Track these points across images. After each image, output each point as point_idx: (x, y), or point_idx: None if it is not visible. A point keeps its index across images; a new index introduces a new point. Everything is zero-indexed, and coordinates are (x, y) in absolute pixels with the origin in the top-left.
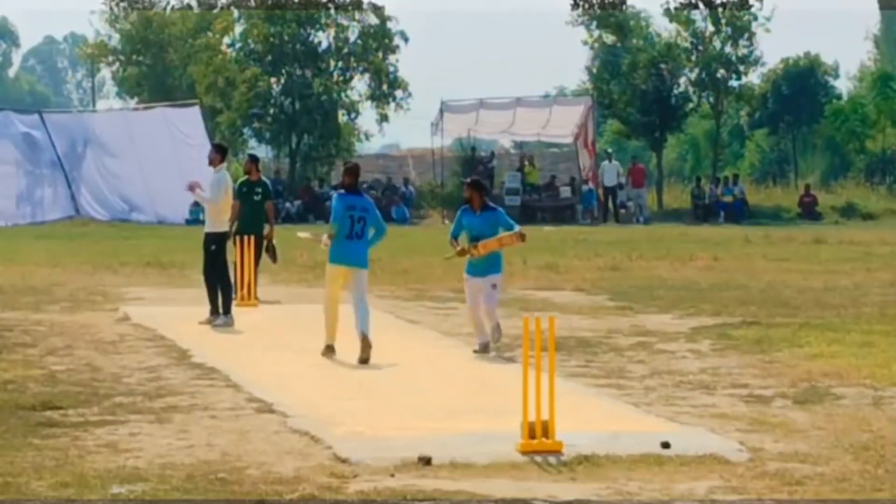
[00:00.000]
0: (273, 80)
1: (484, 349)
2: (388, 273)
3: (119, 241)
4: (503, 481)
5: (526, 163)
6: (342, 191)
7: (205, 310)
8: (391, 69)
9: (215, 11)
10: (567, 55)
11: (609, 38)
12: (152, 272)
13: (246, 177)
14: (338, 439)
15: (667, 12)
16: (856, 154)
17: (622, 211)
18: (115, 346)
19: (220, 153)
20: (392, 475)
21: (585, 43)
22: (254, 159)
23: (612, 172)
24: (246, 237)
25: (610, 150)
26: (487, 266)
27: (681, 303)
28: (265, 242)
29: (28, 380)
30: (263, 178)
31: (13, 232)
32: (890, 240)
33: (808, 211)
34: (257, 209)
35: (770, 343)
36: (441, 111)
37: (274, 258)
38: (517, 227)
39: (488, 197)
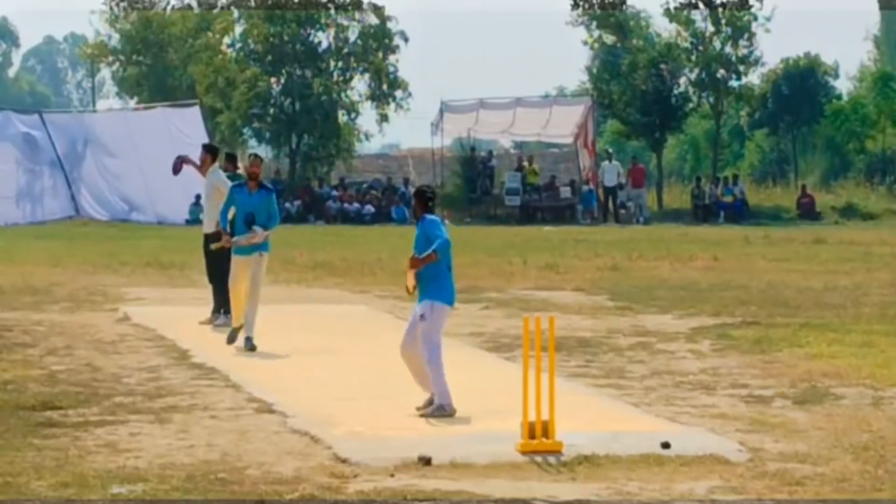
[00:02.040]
0: (273, 80)
1: (428, 405)
2: (388, 273)
3: (119, 241)
4: (503, 481)
5: (526, 163)
6: (239, 183)
7: (205, 310)
8: (391, 69)
9: (215, 11)
10: (567, 55)
11: (609, 39)
12: (152, 272)
13: None
14: (338, 439)
15: (667, 12)
16: (856, 154)
17: (622, 211)
18: (115, 346)
19: (210, 153)
20: (392, 475)
21: (585, 43)
22: (229, 157)
23: (612, 172)
24: None
25: (610, 150)
26: (420, 289)
27: (681, 303)
28: None
29: (28, 380)
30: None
31: (13, 232)
32: (890, 240)
33: (807, 211)
34: None
35: (770, 343)
36: (441, 111)
37: None
38: (433, 247)
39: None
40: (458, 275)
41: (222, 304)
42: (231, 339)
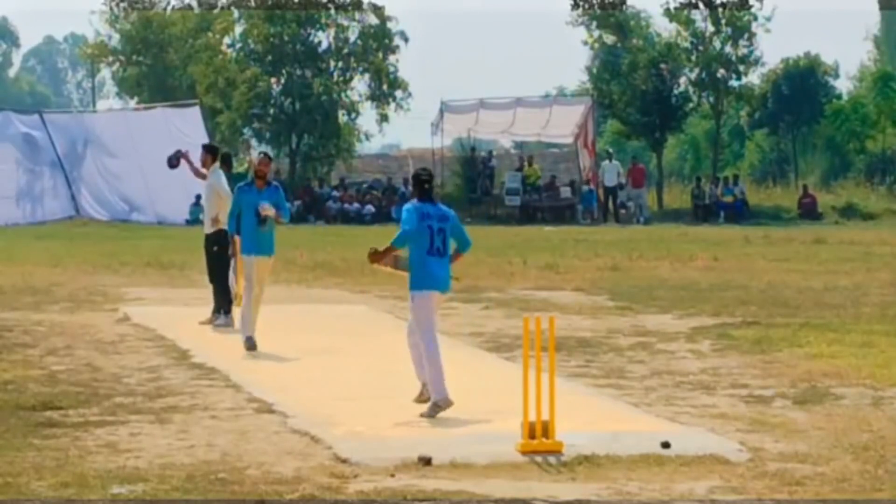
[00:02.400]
0: (273, 80)
1: (420, 396)
2: (388, 273)
3: (119, 241)
4: (503, 481)
5: (526, 164)
6: (246, 182)
7: (205, 310)
8: (391, 69)
9: (215, 12)
10: (567, 55)
11: (609, 38)
12: (152, 272)
13: None
14: (338, 439)
15: (667, 12)
16: (856, 154)
17: (622, 211)
18: (115, 346)
19: (210, 153)
20: (392, 475)
21: (585, 43)
22: (223, 159)
23: (612, 172)
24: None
25: (610, 150)
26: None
27: (681, 303)
28: None
29: (28, 380)
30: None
31: (13, 232)
32: (890, 240)
33: (809, 212)
34: None
35: (770, 343)
36: (441, 111)
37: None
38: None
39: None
40: (458, 274)
41: (223, 304)
42: (250, 347)
